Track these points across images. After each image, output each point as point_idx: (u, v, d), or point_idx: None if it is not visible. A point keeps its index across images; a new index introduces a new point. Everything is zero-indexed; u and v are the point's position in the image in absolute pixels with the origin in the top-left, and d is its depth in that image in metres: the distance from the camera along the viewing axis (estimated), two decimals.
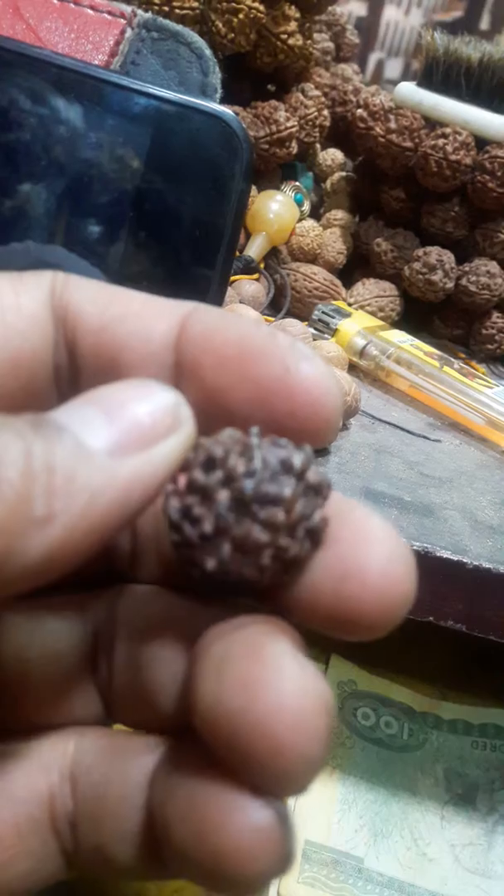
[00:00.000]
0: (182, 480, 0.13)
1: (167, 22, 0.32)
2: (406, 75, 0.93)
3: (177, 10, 0.39)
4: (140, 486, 0.12)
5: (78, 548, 0.11)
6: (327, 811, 0.38)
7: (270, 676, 0.11)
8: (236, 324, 0.14)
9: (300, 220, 0.50)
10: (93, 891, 0.36)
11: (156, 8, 0.39)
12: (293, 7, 0.45)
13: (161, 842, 0.13)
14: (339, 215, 0.53)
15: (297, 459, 0.13)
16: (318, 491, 0.13)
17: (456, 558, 0.29)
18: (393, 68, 0.94)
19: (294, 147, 0.48)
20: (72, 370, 0.14)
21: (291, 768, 0.11)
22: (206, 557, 0.13)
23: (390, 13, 0.92)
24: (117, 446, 0.12)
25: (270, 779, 0.11)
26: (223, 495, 0.12)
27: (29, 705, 0.15)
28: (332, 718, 0.11)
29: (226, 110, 0.29)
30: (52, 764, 0.14)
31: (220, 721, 0.11)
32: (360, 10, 0.91)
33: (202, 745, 0.12)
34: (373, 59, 0.93)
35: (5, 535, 0.10)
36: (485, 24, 0.91)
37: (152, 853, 0.13)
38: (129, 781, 0.14)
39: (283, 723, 0.11)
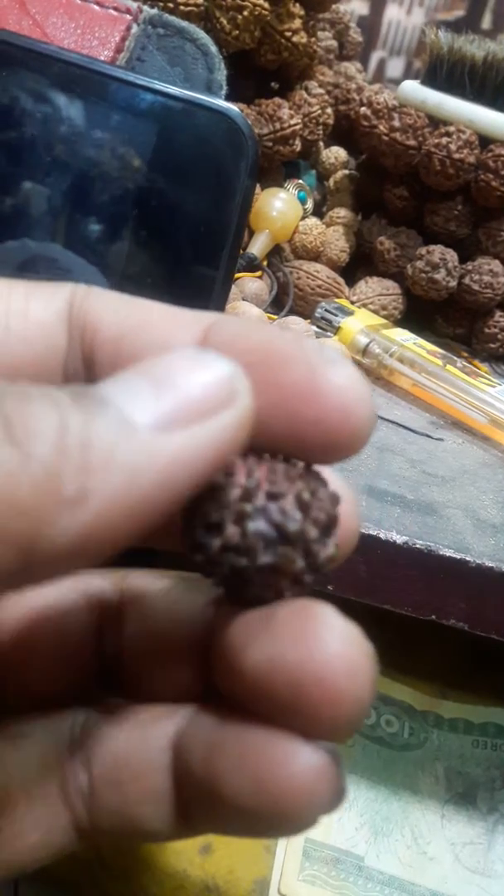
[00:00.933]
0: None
1: (173, 18, 0.32)
2: (408, 74, 0.93)
3: (181, 7, 0.39)
4: (186, 466, 0.11)
5: (113, 532, 0.10)
6: None
7: (323, 630, 0.12)
8: (260, 330, 0.13)
9: (303, 217, 0.50)
10: (96, 888, 0.36)
11: (161, 5, 0.38)
12: (297, 4, 0.45)
13: (196, 798, 0.13)
14: (342, 213, 0.53)
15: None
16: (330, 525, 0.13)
17: (459, 557, 0.29)
18: (395, 67, 0.94)
19: (298, 145, 0.47)
20: (88, 382, 0.14)
21: (348, 712, 0.12)
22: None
23: (392, 12, 0.91)
24: (164, 420, 0.11)
25: (328, 724, 0.12)
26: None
27: (33, 676, 0.15)
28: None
29: (231, 107, 0.29)
30: (62, 736, 0.15)
31: (277, 675, 0.12)
32: (362, 9, 0.91)
33: (238, 702, 0.13)
34: (374, 58, 0.93)
35: (31, 516, 0.10)
36: (486, 23, 0.91)
37: (179, 812, 0.14)
38: (150, 746, 0.14)
39: (340, 671, 0.12)
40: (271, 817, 0.12)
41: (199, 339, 0.13)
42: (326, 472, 0.14)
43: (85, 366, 0.14)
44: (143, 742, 0.14)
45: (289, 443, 0.13)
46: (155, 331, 0.14)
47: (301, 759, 0.12)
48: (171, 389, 0.11)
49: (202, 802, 0.13)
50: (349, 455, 0.13)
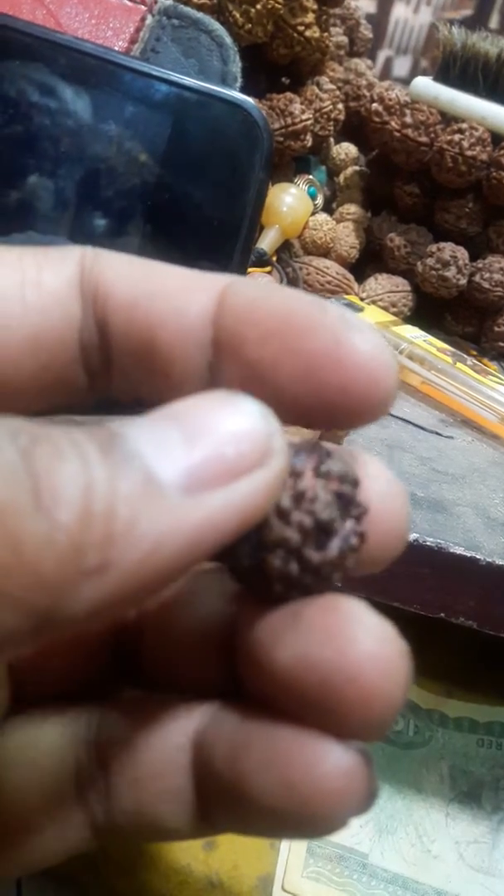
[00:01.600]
0: None
1: (188, 9, 0.32)
2: (414, 73, 0.92)
3: (194, 1, 0.39)
4: (212, 532, 0.10)
5: (131, 599, 0.10)
6: None
7: (355, 627, 0.12)
8: (280, 294, 0.13)
9: (313, 213, 0.50)
10: (99, 884, 0.36)
11: None
12: None
13: (219, 798, 0.13)
14: (352, 209, 0.53)
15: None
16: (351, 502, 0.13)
17: (469, 555, 0.29)
18: (401, 66, 0.93)
19: (309, 140, 0.47)
20: (103, 350, 0.14)
21: (381, 712, 0.11)
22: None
23: (399, 11, 0.91)
24: (193, 480, 0.10)
25: (359, 724, 0.12)
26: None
27: (51, 668, 0.15)
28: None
29: (247, 99, 0.29)
30: (77, 734, 0.14)
31: (307, 673, 0.11)
32: (370, 7, 0.91)
33: (265, 699, 0.12)
34: (381, 56, 0.93)
35: (51, 589, 0.09)
36: (494, 22, 0.91)
37: (199, 810, 0.14)
38: (169, 745, 0.14)
39: (373, 670, 0.11)
40: (299, 819, 0.12)
41: (215, 304, 0.13)
42: (374, 465, 0.13)
43: (99, 332, 0.14)
44: (163, 740, 0.14)
45: (312, 409, 0.13)
46: (168, 297, 0.13)
47: (332, 760, 0.12)
48: (203, 442, 0.11)
49: (226, 802, 0.13)
50: (373, 420, 0.13)
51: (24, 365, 0.13)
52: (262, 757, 0.12)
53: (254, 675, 0.13)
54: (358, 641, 0.11)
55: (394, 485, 0.13)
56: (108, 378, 0.14)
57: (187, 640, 0.15)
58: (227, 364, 0.13)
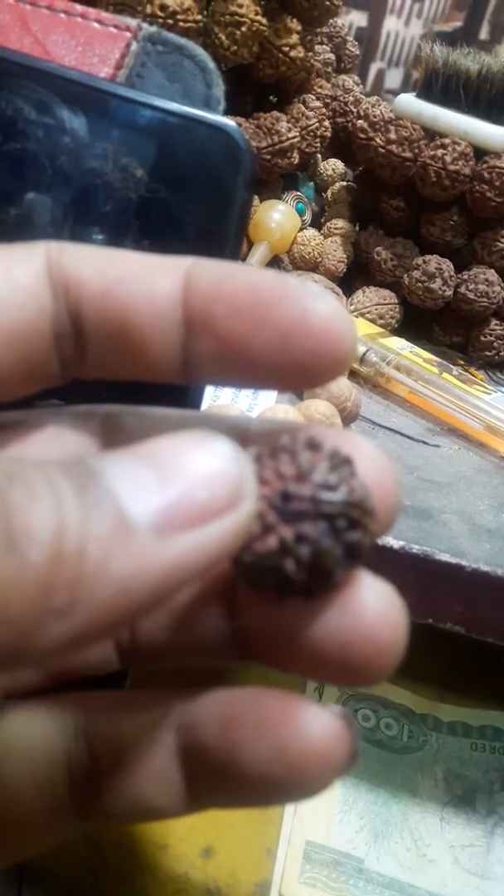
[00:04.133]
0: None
1: (172, 35, 0.33)
2: (406, 85, 0.94)
3: (181, 24, 0.40)
4: (181, 573, 0.11)
5: (98, 635, 0.10)
6: (328, 812, 0.39)
7: (365, 592, 0.13)
8: (243, 271, 0.14)
9: (301, 229, 0.51)
10: (98, 892, 0.37)
11: (160, 21, 0.39)
12: (295, 20, 0.46)
13: (208, 773, 0.14)
14: (339, 224, 0.54)
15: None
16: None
17: (454, 561, 0.30)
18: (393, 78, 0.95)
19: (295, 157, 0.48)
20: (76, 338, 0.14)
21: (392, 659, 0.13)
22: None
23: (391, 24, 0.92)
24: (165, 521, 0.10)
25: (375, 673, 0.13)
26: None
27: None
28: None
29: (229, 122, 0.29)
30: (67, 726, 0.15)
31: (330, 638, 0.13)
32: (361, 20, 0.92)
33: (277, 665, 0.14)
34: (373, 69, 0.94)
35: (17, 627, 0.09)
36: (484, 34, 0.92)
37: (188, 788, 0.15)
38: (154, 728, 0.15)
39: (384, 626, 0.13)
40: (289, 783, 0.13)
41: (182, 285, 0.14)
42: (365, 445, 0.14)
43: (72, 321, 0.14)
44: (148, 724, 0.15)
45: (283, 374, 0.14)
46: (136, 282, 0.14)
47: (320, 724, 0.13)
48: (176, 484, 0.11)
49: (216, 776, 0.14)
50: (338, 376, 0.14)
51: (1, 359, 0.14)
52: (254, 728, 0.13)
53: (278, 649, 0.14)
54: (370, 605, 0.13)
55: (384, 463, 0.14)
56: (82, 363, 0.15)
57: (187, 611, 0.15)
58: (200, 341, 0.14)
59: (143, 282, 0.14)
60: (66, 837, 0.15)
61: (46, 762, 0.15)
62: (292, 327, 0.13)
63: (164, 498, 0.11)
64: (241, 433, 0.15)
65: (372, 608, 0.13)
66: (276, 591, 0.13)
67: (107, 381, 0.16)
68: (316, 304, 0.13)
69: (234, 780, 0.14)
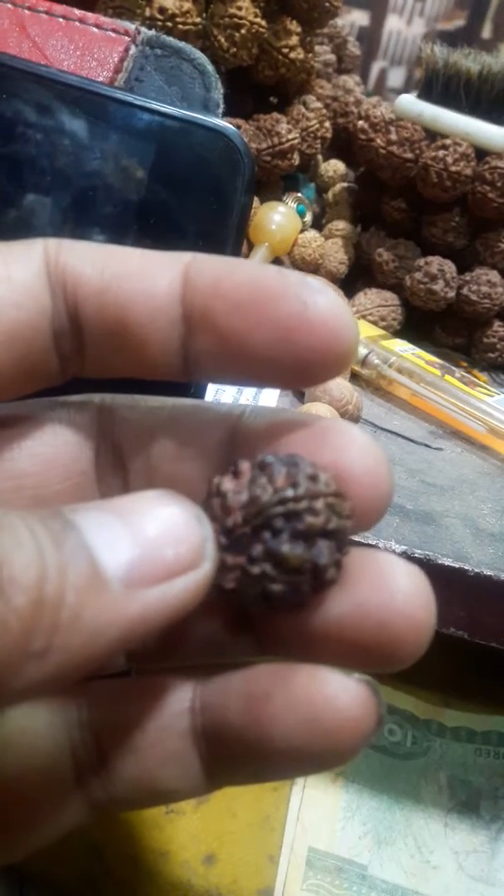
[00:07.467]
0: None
1: (170, 39, 0.32)
2: (409, 84, 0.93)
3: (180, 26, 0.40)
4: (146, 623, 0.11)
5: (68, 677, 0.11)
6: (331, 818, 0.39)
7: (396, 574, 0.14)
8: (242, 267, 0.14)
9: (302, 230, 0.50)
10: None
11: (160, 24, 0.39)
12: (294, 21, 0.45)
13: (230, 751, 0.14)
14: (340, 226, 0.53)
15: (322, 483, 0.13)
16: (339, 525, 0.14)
17: (457, 566, 0.30)
18: (396, 77, 0.95)
19: (296, 159, 0.48)
20: (75, 335, 0.14)
21: (426, 634, 0.14)
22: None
23: (393, 23, 0.92)
24: (134, 575, 0.11)
25: (411, 650, 0.13)
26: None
27: None
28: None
29: (227, 125, 0.29)
30: (70, 716, 0.15)
31: (364, 619, 0.13)
32: (363, 20, 0.92)
33: (298, 650, 0.14)
34: (375, 68, 0.94)
35: None
36: (487, 32, 0.92)
37: (204, 769, 0.15)
38: (167, 713, 0.15)
39: (417, 604, 0.13)
40: (321, 753, 0.13)
41: (181, 281, 0.14)
42: (352, 431, 0.14)
43: (70, 319, 0.14)
44: (159, 711, 0.15)
45: (283, 370, 0.14)
46: (135, 278, 0.14)
47: (347, 692, 0.13)
48: (146, 541, 0.11)
49: (242, 753, 0.14)
50: (340, 373, 0.14)
51: (1, 359, 0.14)
52: (283, 701, 0.13)
53: (304, 634, 0.14)
54: (402, 584, 0.13)
55: (374, 451, 0.14)
56: (81, 361, 0.15)
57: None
58: (199, 337, 0.14)
59: (141, 278, 0.14)
60: (75, 826, 0.15)
61: (49, 753, 0.15)
62: (293, 323, 0.13)
63: (133, 553, 0.11)
64: (233, 423, 0.15)
65: (405, 587, 0.13)
66: (270, 607, 0.13)
67: (108, 380, 0.16)
68: (316, 299, 0.13)
69: (263, 756, 0.14)
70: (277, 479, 0.13)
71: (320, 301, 0.13)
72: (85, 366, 0.15)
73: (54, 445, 0.16)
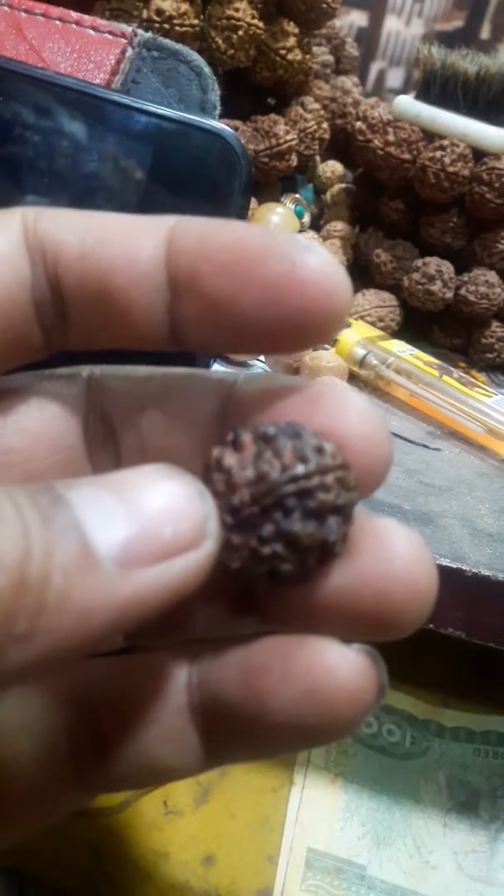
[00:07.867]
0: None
1: (167, 41, 0.32)
2: (407, 84, 0.93)
3: (177, 28, 0.40)
4: (140, 606, 0.11)
5: (58, 660, 0.10)
6: (330, 819, 0.39)
7: (394, 540, 0.13)
8: (228, 227, 0.13)
9: (300, 231, 0.50)
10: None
11: (157, 26, 0.39)
12: (292, 23, 0.46)
13: (229, 726, 0.14)
14: (338, 227, 0.54)
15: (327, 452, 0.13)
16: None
17: (455, 566, 0.30)
18: (394, 78, 0.95)
19: (294, 160, 0.48)
20: (57, 305, 0.14)
21: (429, 601, 0.13)
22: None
23: (391, 23, 0.92)
24: (129, 555, 0.11)
25: (412, 619, 0.13)
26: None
27: None
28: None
29: (224, 127, 0.29)
30: (64, 697, 0.15)
31: (364, 588, 0.13)
32: (362, 20, 0.92)
33: (298, 622, 0.13)
34: (374, 68, 0.94)
35: None
36: (485, 33, 0.92)
37: (203, 745, 0.14)
38: (164, 690, 0.14)
39: (419, 571, 0.13)
40: (322, 725, 0.13)
41: (165, 245, 0.13)
42: (352, 397, 0.14)
43: (51, 288, 0.14)
44: (158, 686, 0.14)
45: (274, 334, 0.13)
46: (117, 244, 0.13)
47: (347, 662, 0.13)
48: (142, 518, 0.11)
49: (241, 728, 0.14)
50: (333, 336, 0.13)
51: None
52: (281, 673, 0.13)
53: (304, 607, 0.13)
54: (402, 550, 0.13)
55: (372, 416, 0.14)
56: (65, 333, 0.14)
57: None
58: (186, 303, 0.13)
59: (124, 242, 0.13)
60: (72, 808, 0.15)
61: (43, 736, 0.14)
62: (282, 282, 0.13)
63: (129, 531, 0.11)
64: (226, 392, 0.15)
65: (405, 553, 0.13)
66: (277, 584, 0.13)
67: (98, 355, 0.15)
68: (306, 257, 0.13)
69: (262, 730, 0.13)
70: (284, 454, 0.13)
71: (310, 259, 0.13)
72: (69, 338, 0.15)
73: (41, 420, 0.15)
